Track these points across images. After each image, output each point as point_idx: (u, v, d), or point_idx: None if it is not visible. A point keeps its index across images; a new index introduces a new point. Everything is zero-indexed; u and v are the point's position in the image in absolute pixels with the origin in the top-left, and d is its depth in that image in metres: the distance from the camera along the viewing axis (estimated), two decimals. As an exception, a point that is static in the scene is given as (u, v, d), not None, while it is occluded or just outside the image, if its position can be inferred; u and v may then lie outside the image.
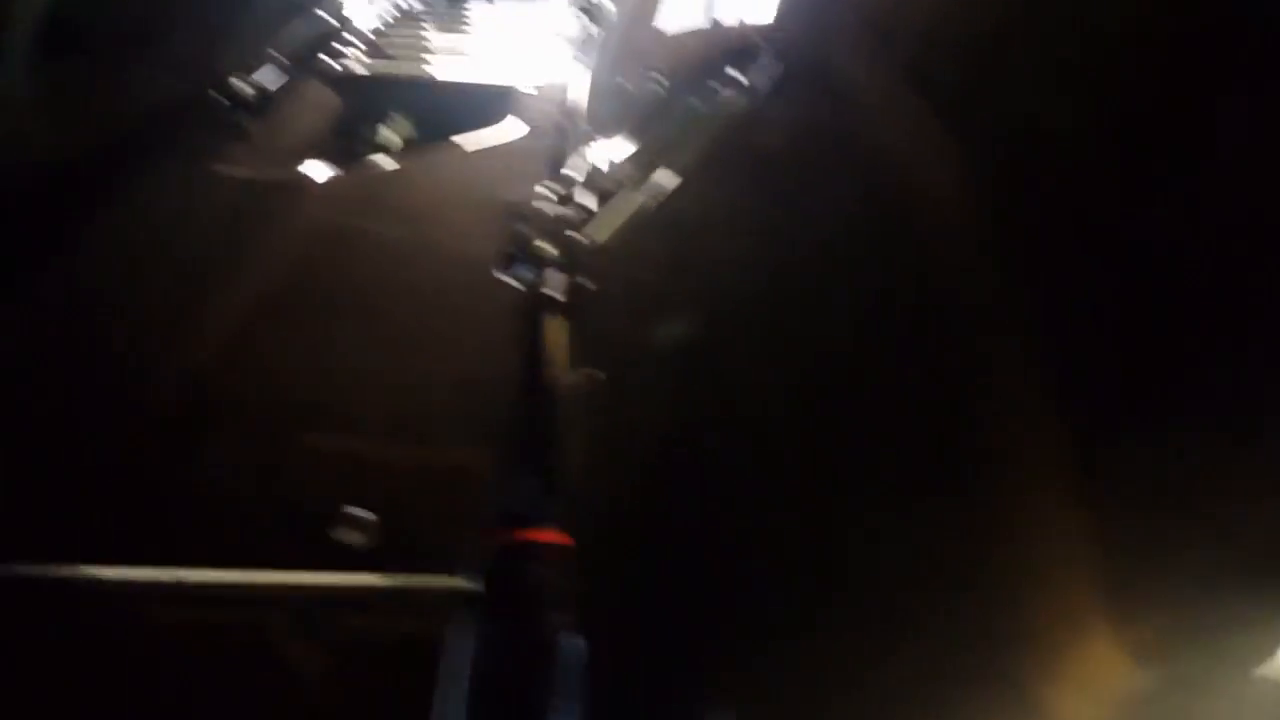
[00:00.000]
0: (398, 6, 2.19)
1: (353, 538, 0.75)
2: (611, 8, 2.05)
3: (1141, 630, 0.52)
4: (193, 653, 0.67)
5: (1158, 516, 0.55)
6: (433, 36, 2.00)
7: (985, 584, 0.58)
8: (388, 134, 1.55)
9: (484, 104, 1.63)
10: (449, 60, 1.84)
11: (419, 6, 2.25)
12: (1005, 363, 0.64)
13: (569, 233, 1.12)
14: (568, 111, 1.59)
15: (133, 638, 0.68)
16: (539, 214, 1.20)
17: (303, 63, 1.69)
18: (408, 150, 1.52)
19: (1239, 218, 0.56)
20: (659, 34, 1.50)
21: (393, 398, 0.92)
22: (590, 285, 1.04)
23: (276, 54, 1.64)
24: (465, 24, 2.12)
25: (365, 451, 0.85)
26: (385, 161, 1.46)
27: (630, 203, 1.12)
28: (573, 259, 1.09)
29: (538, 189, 1.26)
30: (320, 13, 1.90)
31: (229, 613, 0.70)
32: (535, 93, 1.69)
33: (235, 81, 1.49)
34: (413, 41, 1.94)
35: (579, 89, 1.68)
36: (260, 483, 0.82)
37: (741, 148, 1.07)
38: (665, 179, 1.13)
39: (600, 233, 1.10)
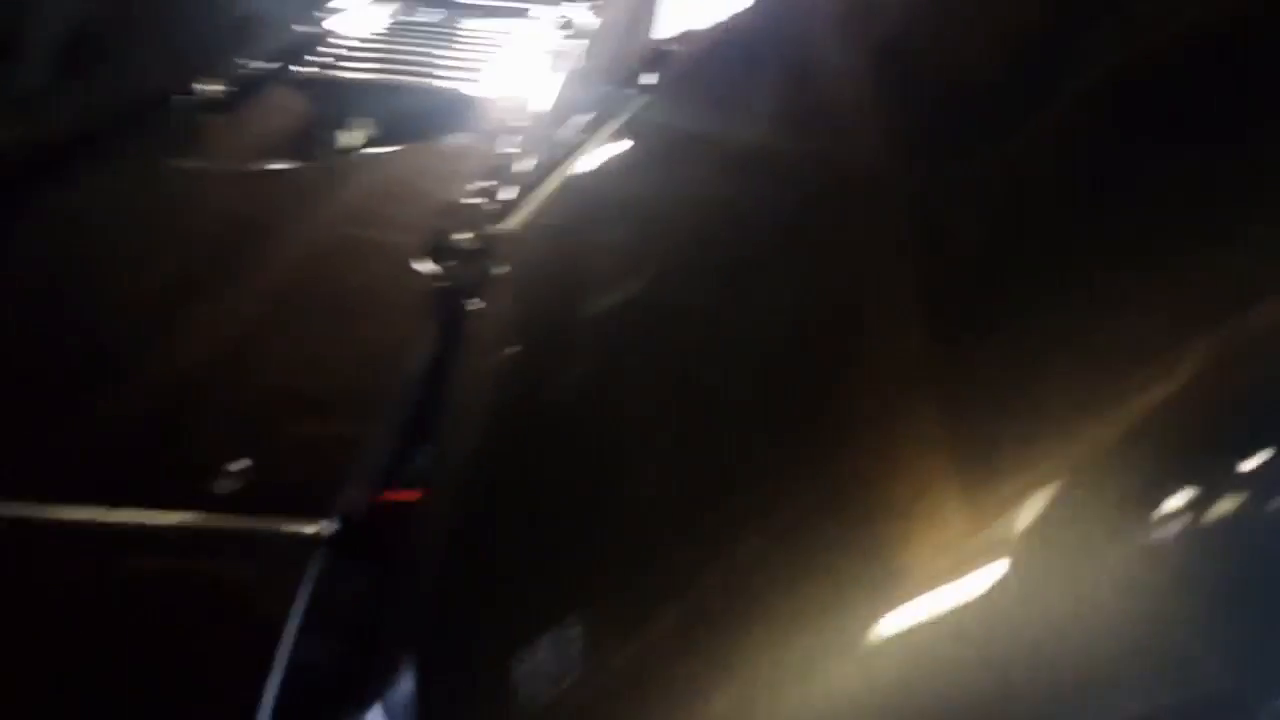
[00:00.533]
0: (396, 19, 2.25)
1: (227, 485, 0.81)
2: (595, 23, 2.14)
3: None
4: (57, 585, 0.73)
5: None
6: (416, 47, 2.07)
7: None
8: (347, 136, 1.63)
9: (445, 109, 1.71)
10: (423, 68, 1.91)
11: (418, 19, 2.31)
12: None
13: (488, 226, 1.18)
14: (525, 115, 1.66)
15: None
16: (464, 209, 1.27)
17: (276, 69, 1.78)
18: (361, 152, 1.60)
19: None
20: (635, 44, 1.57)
21: (295, 369, 0.98)
22: (500, 270, 1.10)
23: (246, 60, 1.74)
24: (456, 37, 2.19)
25: (259, 413, 0.91)
26: (335, 161, 1.54)
27: (545, 193, 1.19)
28: (488, 249, 1.15)
29: (468, 187, 1.33)
30: (302, 24, 1.99)
31: (99, 549, 0.76)
32: (496, 99, 1.76)
33: (200, 85, 1.59)
34: (393, 51, 2.01)
35: (543, 96, 1.75)
36: (150, 432, 0.88)
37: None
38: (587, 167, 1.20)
39: (514, 222, 1.17)
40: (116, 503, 0.79)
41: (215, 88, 1.60)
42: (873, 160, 0.81)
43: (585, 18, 2.27)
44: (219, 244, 1.19)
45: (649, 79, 1.33)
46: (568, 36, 2.18)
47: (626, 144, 1.20)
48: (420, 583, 0.75)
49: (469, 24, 2.25)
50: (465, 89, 1.81)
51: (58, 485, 0.80)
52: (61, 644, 0.70)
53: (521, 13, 2.37)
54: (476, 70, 1.92)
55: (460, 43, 2.09)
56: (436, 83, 1.83)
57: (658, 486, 0.70)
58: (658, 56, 1.33)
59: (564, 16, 2.28)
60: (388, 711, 0.74)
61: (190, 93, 1.59)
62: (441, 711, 0.71)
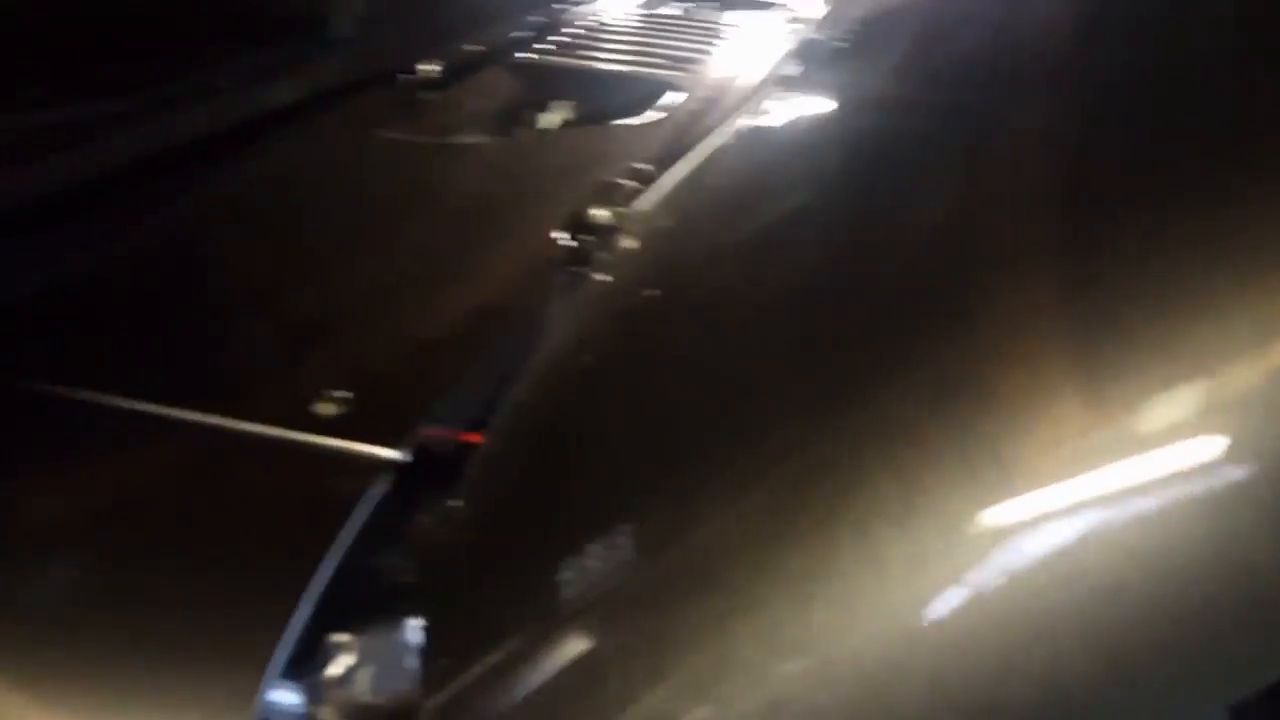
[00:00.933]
0: (630, 12, 2.36)
1: (329, 409, 0.92)
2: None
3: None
4: (166, 472, 0.87)
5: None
6: (637, 36, 2.16)
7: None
8: (545, 117, 1.75)
9: (646, 95, 1.79)
10: (637, 56, 2.00)
11: (655, 11, 2.40)
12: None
13: (627, 202, 1.25)
14: (723, 102, 1.71)
15: (124, 457, 0.89)
16: (615, 186, 1.34)
17: (496, 53, 1.93)
18: (554, 131, 1.71)
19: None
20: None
21: (418, 318, 1.09)
22: (625, 243, 1.16)
23: (471, 45, 1.90)
24: (681, 28, 2.26)
25: (374, 352, 1.03)
26: (526, 139, 1.66)
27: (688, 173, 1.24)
28: (623, 224, 1.21)
29: (629, 165, 1.40)
30: (536, 15, 2.15)
31: (209, 446, 0.89)
32: (701, 87, 1.82)
33: (422, 65, 1.76)
34: (613, 40, 2.11)
35: (749, 83, 1.80)
36: (280, 358, 1.02)
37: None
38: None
39: (651, 199, 1.23)
40: (233, 412, 0.91)
41: (434, 68, 1.76)
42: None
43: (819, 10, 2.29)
44: (393, 204, 1.34)
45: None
46: (795, 29, 2.21)
47: (769, 125, 1.24)
48: (460, 509, 0.84)
49: (702, 15, 2.33)
50: (674, 77, 1.89)
51: (194, 392, 0.94)
52: (159, 519, 0.84)
53: (767, 5, 2.42)
54: (692, 60, 1.99)
55: (683, 33, 2.17)
56: (645, 70, 1.91)
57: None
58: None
59: (792, 11, 2.31)
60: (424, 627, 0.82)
61: (413, 72, 1.76)
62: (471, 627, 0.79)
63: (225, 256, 1.23)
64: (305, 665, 0.82)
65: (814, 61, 1.47)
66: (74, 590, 0.80)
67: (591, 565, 0.71)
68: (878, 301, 0.73)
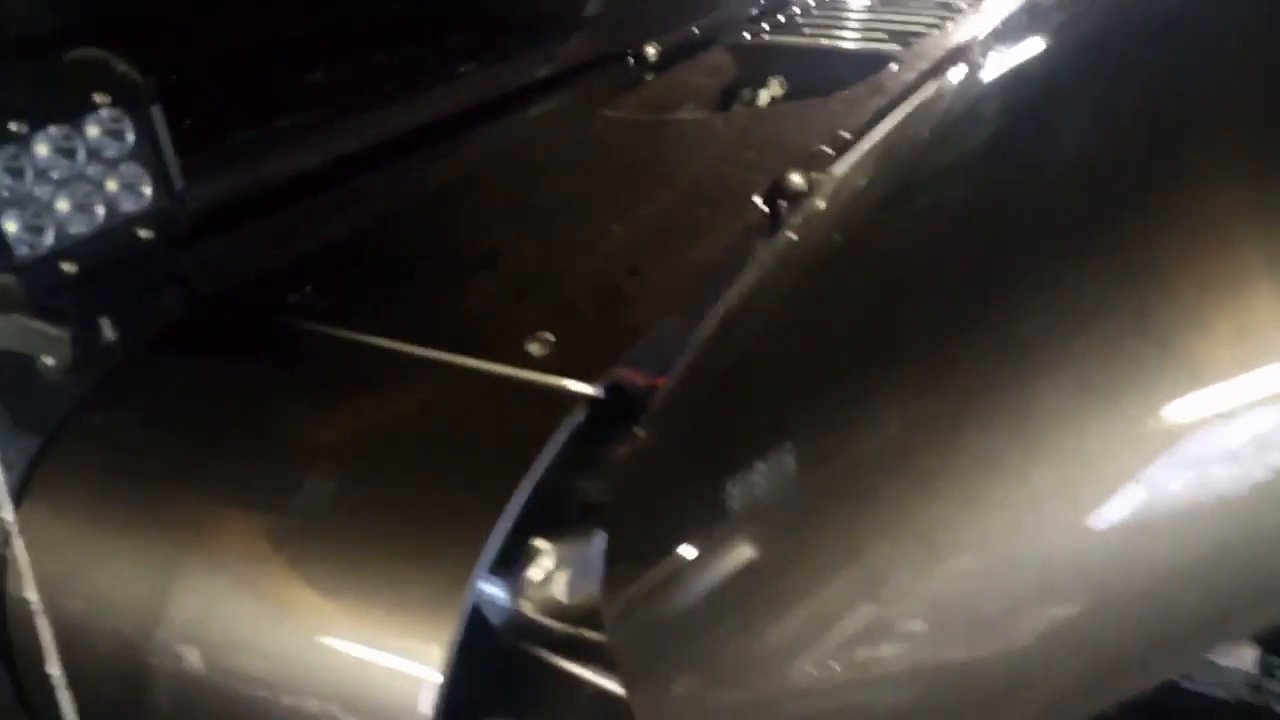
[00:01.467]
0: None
1: (535, 348, 1.04)
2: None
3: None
4: (387, 399, 1.03)
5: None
6: (854, 15, 2.20)
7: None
8: (763, 93, 1.83)
9: (858, 69, 1.83)
10: (853, 34, 2.05)
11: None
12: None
13: (823, 169, 1.31)
14: (923, 74, 1.74)
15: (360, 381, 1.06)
16: (815, 154, 1.40)
17: (718, 35, 2.03)
18: (766, 106, 1.78)
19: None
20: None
21: (625, 272, 1.21)
22: (815, 207, 1.23)
23: (696, 28, 2.01)
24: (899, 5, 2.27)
25: (582, 301, 1.16)
26: (739, 114, 1.74)
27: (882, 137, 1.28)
28: (817, 188, 1.28)
29: (834, 135, 1.46)
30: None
31: (428, 378, 1.03)
32: (914, 62, 1.85)
33: (648, 47, 1.88)
34: (830, 19, 2.16)
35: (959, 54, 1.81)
36: (501, 304, 1.16)
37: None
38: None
39: (844, 166, 1.28)
40: (453, 348, 1.06)
41: (656, 49, 1.88)
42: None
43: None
44: (616, 176, 1.46)
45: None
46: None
47: (966, 84, 1.25)
48: (644, 437, 0.94)
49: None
50: (891, 50, 1.92)
51: (423, 330, 1.10)
52: (393, 438, 0.99)
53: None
54: (911, 34, 2.01)
55: (904, 8, 2.19)
56: (859, 46, 1.96)
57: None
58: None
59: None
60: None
61: (641, 53, 1.88)
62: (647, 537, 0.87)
63: (465, 219, 1.40)
64: (512, 567, 0.97)
65: (1025, 26, 1.47)
66: (321, 496, 0.95)
67: (756, 482, 0.76)
68: (1043, 207, 0.71)
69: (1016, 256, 0.69)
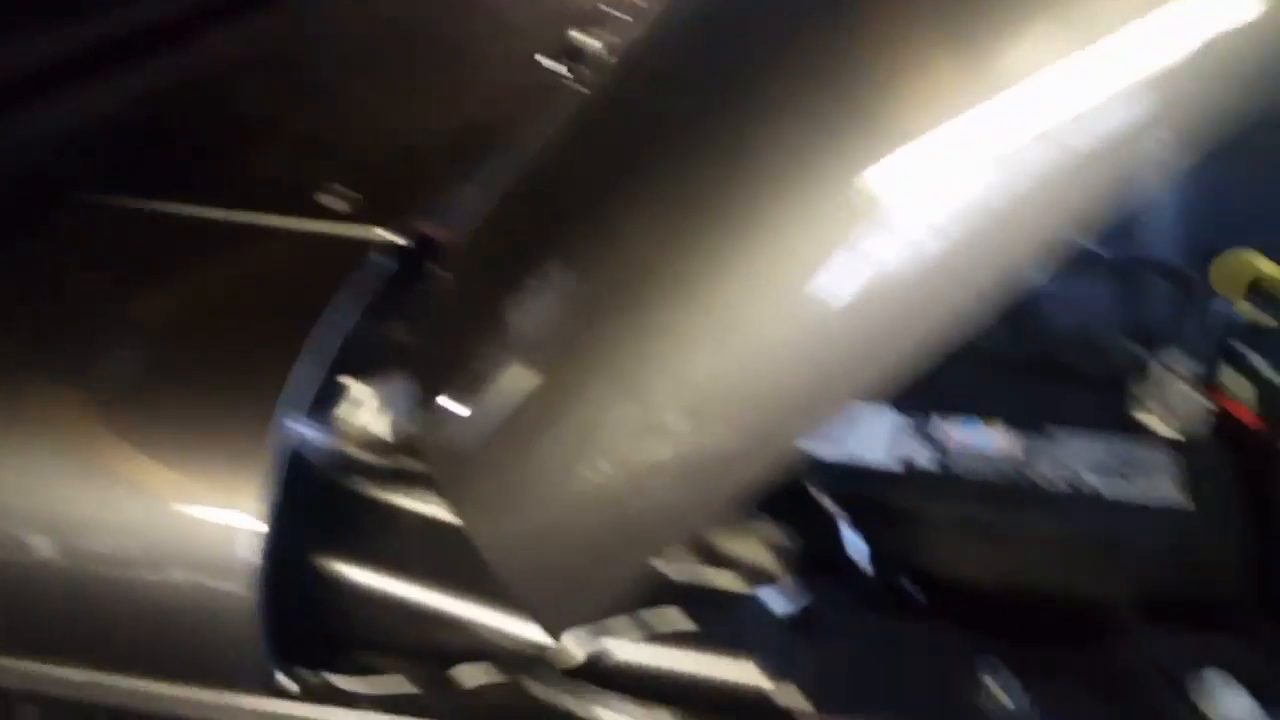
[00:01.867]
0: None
1: (326, 200, 1.08)
2: None
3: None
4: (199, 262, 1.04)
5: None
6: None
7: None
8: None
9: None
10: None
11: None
12: None
13: (612, 29, 1.36)
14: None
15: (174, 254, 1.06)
16: (604, 16, 1.45)
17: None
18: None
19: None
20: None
21: (419, 129, 1.25)
22: (605, 66, 1.27)
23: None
24: None
25: (372, 159, 1.19)
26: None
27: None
28: (607, 49, 1.33)
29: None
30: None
31: (239, 239, 1.06)
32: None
33: None
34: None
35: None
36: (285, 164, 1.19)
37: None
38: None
39: (633, 26, 1.33)
40: (246, 206, 1.09)
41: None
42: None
43: None
44: (403, 47, 1.48)
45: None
46: None
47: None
48: (445, 278, 0.99)
49: None
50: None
51: (215, 193, 1.11)
52: (199, 294, 1.01)
53: None
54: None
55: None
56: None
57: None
58: None
59: None
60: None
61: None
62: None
63: (250, 95, 1.38)
64: (326, 407, 0.99)
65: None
66: (129, 365, 0.95)
67: (532, 303, 0.81)
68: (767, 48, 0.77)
69: (744, 95, 0.76)
